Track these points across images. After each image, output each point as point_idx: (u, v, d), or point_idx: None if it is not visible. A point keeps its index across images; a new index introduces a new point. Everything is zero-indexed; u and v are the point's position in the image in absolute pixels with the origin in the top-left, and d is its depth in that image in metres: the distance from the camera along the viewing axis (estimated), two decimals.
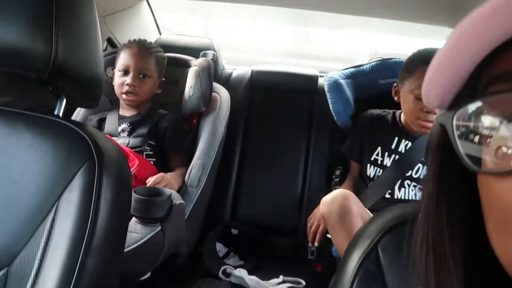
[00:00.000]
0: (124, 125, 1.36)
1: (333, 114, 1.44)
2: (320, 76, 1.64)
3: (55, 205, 0.57)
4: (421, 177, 1.20)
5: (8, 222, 0.58)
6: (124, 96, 1.35)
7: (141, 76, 1.35)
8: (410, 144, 1.23)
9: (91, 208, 0.57)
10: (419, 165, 1.21)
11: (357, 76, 1.48)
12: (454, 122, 0.27)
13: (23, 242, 0.57)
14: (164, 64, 1.45)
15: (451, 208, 0.30)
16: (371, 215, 1.08)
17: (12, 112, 0.64)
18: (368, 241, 0.53)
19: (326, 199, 1.04)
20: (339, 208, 0.99)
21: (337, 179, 1.48)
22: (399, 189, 1.22)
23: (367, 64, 1.51)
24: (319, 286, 1.34)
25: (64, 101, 0.70)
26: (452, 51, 0.26)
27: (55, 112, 0.69)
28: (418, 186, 1.19)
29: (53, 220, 0.57)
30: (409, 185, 1.21)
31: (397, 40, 2.40)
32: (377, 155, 1.27)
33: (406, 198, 1.20)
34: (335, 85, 1.42)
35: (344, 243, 0.96)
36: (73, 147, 0.60)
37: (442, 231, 0.30)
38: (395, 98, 1.25)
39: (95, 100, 0.73)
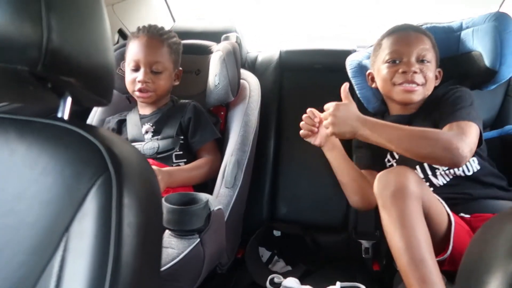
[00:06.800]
0: (147, 126, 1.22)
1: (362, 101, 1.32)
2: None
3: (63, 240, 0.42)
4: None
5: (8, 263, 0.44)
6: (137, 93, 1.20)
7: (153, 70, 1.19)
8: None
9: (111, 240, 0.42)
10: None
11: None
12: None
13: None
14: (179, 51, 1.28)
15: None
16: (441, 202, 0.90)
17: (1, 118, 0.50)
18: None
19: (381, 174, 0.89)
20: (394, 183, 0.83)
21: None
22: None
23: None
24: None
25: (69, 99, 0.54)
26: None
27: (58, 115, 0.54)
28: None
29: (63, 259, 0.42)
30: None
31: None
32: None
33: None
34: (359, 68, 1.30)
35: (392, 226, 0.82)
36: (81, 158, 0.45)
37: None
38: (373, 86, 1.20)
39: (106, 96, 0.57)
